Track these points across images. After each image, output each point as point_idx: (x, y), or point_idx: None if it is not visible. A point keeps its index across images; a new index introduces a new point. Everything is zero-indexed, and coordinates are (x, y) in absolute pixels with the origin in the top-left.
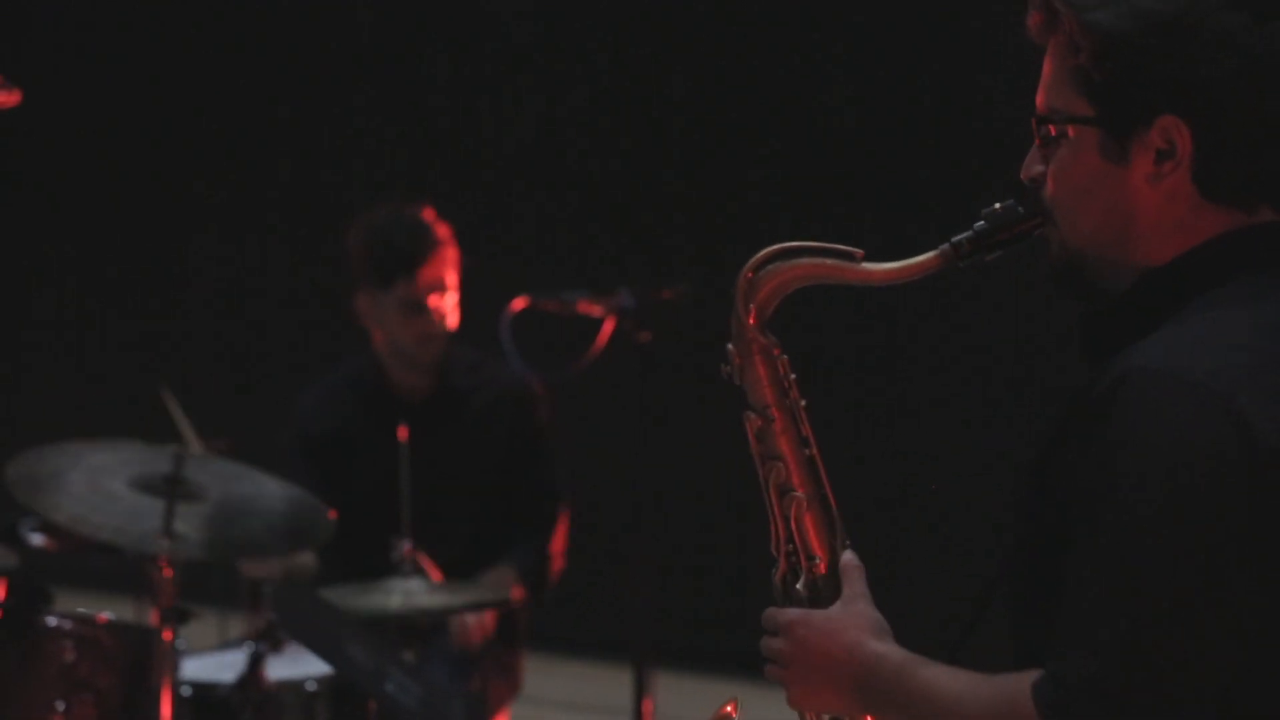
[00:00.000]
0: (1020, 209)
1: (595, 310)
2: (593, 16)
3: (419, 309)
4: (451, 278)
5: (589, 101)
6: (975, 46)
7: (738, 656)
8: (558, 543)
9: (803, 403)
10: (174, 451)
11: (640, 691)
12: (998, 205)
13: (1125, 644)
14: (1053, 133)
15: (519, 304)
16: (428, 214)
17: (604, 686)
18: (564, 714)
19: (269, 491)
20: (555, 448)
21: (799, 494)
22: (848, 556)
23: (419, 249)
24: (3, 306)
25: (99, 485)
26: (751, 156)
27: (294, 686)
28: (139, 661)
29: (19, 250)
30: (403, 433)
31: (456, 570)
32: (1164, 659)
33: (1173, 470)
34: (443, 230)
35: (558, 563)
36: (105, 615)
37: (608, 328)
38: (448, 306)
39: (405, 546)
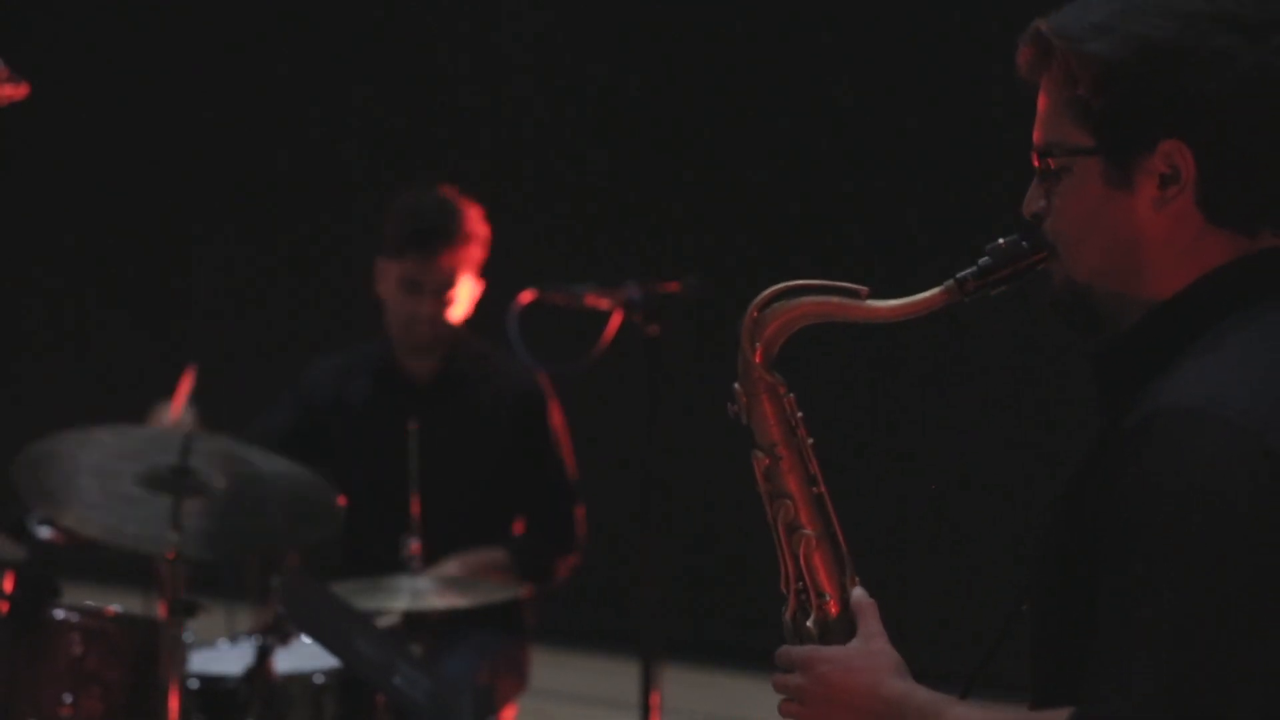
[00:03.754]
0: (1024, 243)
1: (602, 303)
2: (600, 10)
3: (417, 288)
4: (462, 274)
5: (596, 93)
6: (983, 69)
7: (744, 650)
8: (578, 532)
9: (810, 441)
10: (181, 436)
11: (648, 684)
12: (1001, 240)
13: (1161, 686)
14: (1053, 166)
15: (526, 297)
16: (469, 208)
17: (611, 680)
18: (571, 707)
19: (276, 478)
20: (563, 445)
21: (808, 532)
22: (859, 594)
23: (438, 233)
24: (5, 297)
25: (107, 485)
26: (758, 149)
27: (302, 679)
28: (146, 654)
29: (22, 241)
30: (412, 425)
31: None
32: (1201, 701)
33: (1208, 510)
34: (473, 228)
35: (571, 558)
36: (113, 608)
37: (615, 321)
38: (449, 298)
39: (413, 544)
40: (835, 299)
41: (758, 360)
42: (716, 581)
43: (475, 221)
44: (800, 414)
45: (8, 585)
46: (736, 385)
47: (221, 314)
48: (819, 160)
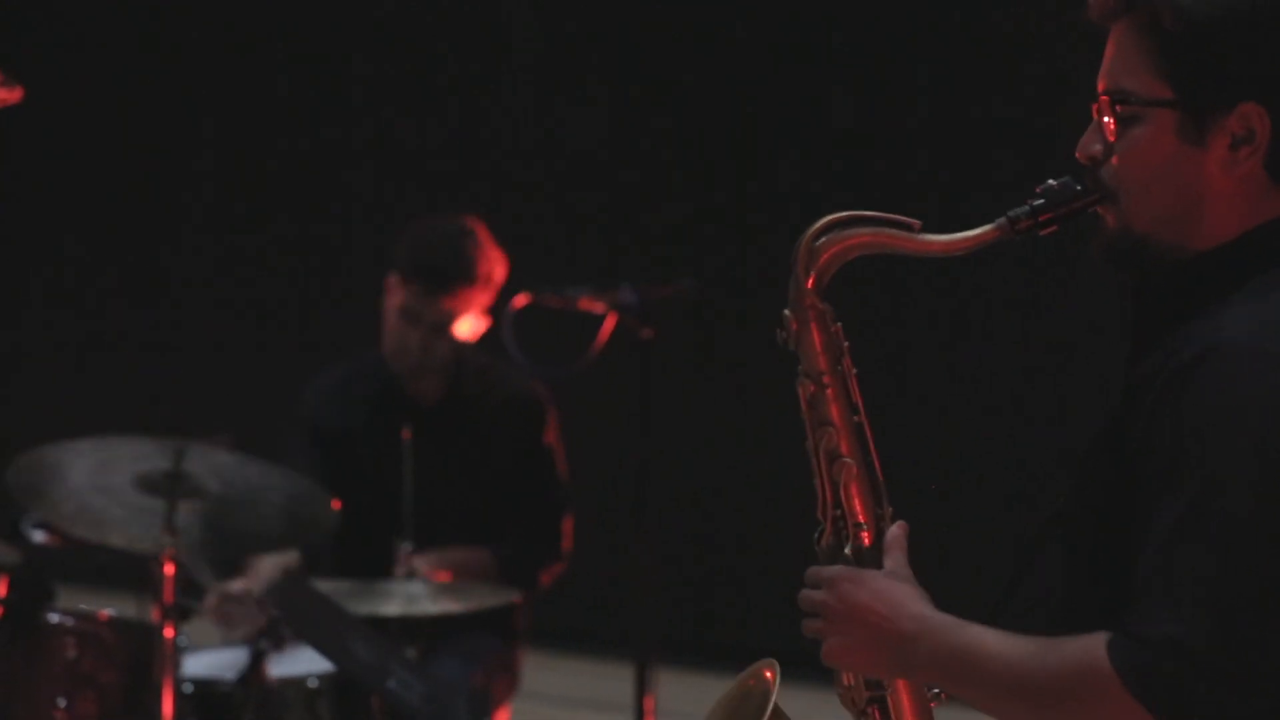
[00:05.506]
0: (1078, 186)
1: (597, 307)
2: (595, 14)
3: (415, 319)
4: (463, 315)
5: (590, 97)
6: (983, 70)
7: (740, 652)
8: (565, 543)
9: (854, 371)
10: (175, 445)
11: (642, 688)
12: (1054, 181)
13: (1211, 606)
14: (1121, 113)
15: (520, 300)
16: (486, 251)
17: (605, 683)
18: (565, 710)
19: (271, 483)
20: (559, 456)
21: (848, 460)
22: (894, 531)
23: (446, 273)
24: (1, 300)
25: (102, 489)
26: (753, 152)
27: (296, 683)
28: (141, 658)
29: (16, 244)
30: (405, 434)
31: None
32: (1249, 623)
33: (1262, 440)
34: (484, 274)
35: (557, 566)
36: (107, 612)
37: (609, 324)
38: (444, 335)
39: (407, 550)
40: (889, 231)
41: (809, 287)
42: (711, 584)
43: (488, 266)
44: (847, 344)
45: (2, 589)
46: (786, 311)
47: (220, 315)
48: (815, 163)
